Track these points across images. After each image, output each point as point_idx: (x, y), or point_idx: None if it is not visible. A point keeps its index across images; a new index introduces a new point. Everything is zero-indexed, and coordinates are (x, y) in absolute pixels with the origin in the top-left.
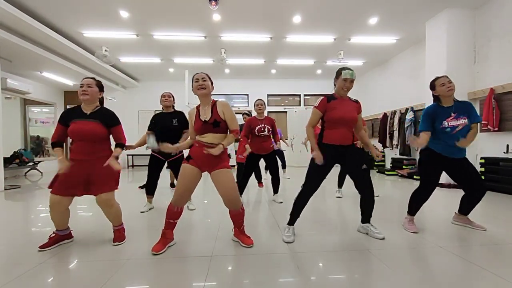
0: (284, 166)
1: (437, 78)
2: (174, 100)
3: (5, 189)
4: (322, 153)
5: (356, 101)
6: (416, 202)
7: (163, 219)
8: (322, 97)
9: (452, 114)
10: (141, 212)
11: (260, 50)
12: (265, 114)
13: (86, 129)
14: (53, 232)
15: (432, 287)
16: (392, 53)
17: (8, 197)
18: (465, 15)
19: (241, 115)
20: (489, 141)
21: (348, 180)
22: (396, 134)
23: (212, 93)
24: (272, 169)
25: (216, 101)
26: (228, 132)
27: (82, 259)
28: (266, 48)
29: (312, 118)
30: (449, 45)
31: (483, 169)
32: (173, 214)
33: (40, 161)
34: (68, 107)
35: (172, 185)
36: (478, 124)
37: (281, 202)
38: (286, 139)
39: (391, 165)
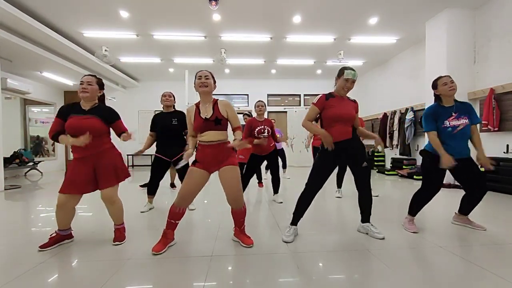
0: (284, 166)
1: (440, 77)
2: (174, 99)
3: (5, 189)
4: (325, 153)
5: (354, 101)
6: (417, 203)
7: (163, 219)
8: (320, 95)
9: (453, 114)
10: (141, 212)
11: (260, 50)
12: (265, 114)
13: (84, 124)
14: (55, 232)
15: (432, 287)
16: (392, 53)
17: (8, 197)
18: (465, 15)
19: (241, 115)
20: (489, 141)
21: (347, 180)
22: (396, 134)
23: (212, 93)
24: (273, 169)
25: (217, 99)
26: (232, 130)
27: (82, 259)
28: (266, 48)
29: (309, 114)
30: (449, 45)
31: (483, 169)
32: (175, 214)
33: (40, 161)
34: (69, 103)
35: (172, 185)
36: (478, 125)
37: (281, 202)
38: (293, 139)
39: (391, 165)
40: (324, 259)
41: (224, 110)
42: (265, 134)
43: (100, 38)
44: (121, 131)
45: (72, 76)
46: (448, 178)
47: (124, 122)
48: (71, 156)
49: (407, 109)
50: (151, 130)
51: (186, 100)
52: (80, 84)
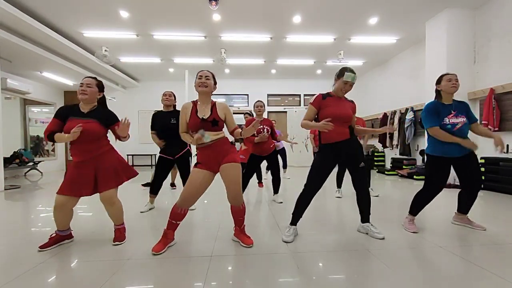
0: (285, 166)
1: (447, 74)
2: (175, 99)
3: (5, 189)
4: (324, 153)
5: (352, 101)
6: (418, 203)
7: (163, 219)
8: (317, 94)
9: (452, 112)
10: (141, 212)
11: (260, 50)
12: (265, 114)
13: (83, 128)
14: (54, 232)
15: (432, 287)
16: (392, 53)
17: (8, 197)
18: (465, 15)
19: (242, 115)
20: (489, 141)
21: (347, 180)
22: (396, 134)
23: (212, 93)
24: (274, 169)
25: (216, 101)
26: (230, 133)
27: (82, 259)
28: (266, 48)
29: (307, 114)
30: (449, 45)
31: (483, 169)
32: (177, 215)
33: (40, 161)
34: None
35: (173, 184)
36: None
37: (281, 202)
38: (293, 139)
39: (391, 165)
40: (324, 259)
41: (222, 113)
42: (265, 133)
43: (100, 38)
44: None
45: (72, 76)
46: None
47: None
48: (71, 157)
49: (407, 109)
50: (152, 129)
51: (186, 100)
52: (80, 86)
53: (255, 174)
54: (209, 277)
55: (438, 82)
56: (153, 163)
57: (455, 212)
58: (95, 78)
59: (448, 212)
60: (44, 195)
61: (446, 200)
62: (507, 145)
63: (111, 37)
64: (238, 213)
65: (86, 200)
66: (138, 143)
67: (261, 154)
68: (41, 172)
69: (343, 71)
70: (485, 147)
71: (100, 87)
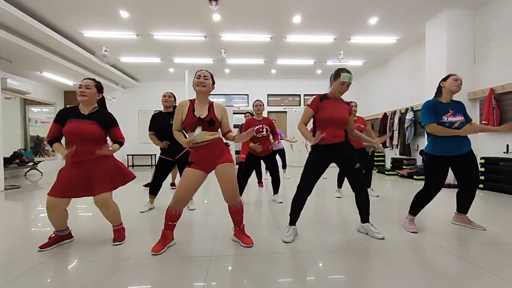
0: (284, 166)
1: (454, 74)
2: (175, 100)
3: (5, 189)
4: (316, 154)
5: (348, 103)
6: (418, 202)
7: (163, 219)
8: (315, 96)
9: (450, 111)
10: (141, 212)
11: (260, 50)
12: (265, 114)
13: (82, 129)
14: (53, 233)
15: (432, 287)
16: (392, 53)
17: (8, 197)
18: (465, 15)
19: (242, 115)
20: (489, 141)
21: (347, 180)
22: (396, 134)
23: (212, 93)
24: (272, 169)
25: (213, 102)
26: (223, 134)
27: (82, 259)
28: (266, 48)
29: (304, 117)
30: (449, 45)
31: (483, 169)
32: (171, 217)
33: (40, 161)
34: (68, 107)
35: (173, 184)
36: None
37: (281, 202)
38: (293, 139)
39: (391, 165)
40: (324, 259)
41: (219, 114)
42: (264, 133)
43: (100, 38)
44: (116, 139)
45: (72, 76)
46: (448, 178)
47: (124, 122)
48: None
49: (407, 109)
50: (149, 129)
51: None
52: (79, 87)
53: (255, 174)
54: (209, 277)
55: (445, 79)
56: (153, 163)
57: (455, 212)
58: (93, 79)
59: (448, 212)
60: (44, 195)
61: (446, 200)
62: (507, 145)
63: (111, 37)
64: (236, 212)
65: (86, 200)
66: (138, 143)
67: (259, 154)
68: (41, 172)
69: (339, 72)
70: (485, 147)
71: (99, 88)
